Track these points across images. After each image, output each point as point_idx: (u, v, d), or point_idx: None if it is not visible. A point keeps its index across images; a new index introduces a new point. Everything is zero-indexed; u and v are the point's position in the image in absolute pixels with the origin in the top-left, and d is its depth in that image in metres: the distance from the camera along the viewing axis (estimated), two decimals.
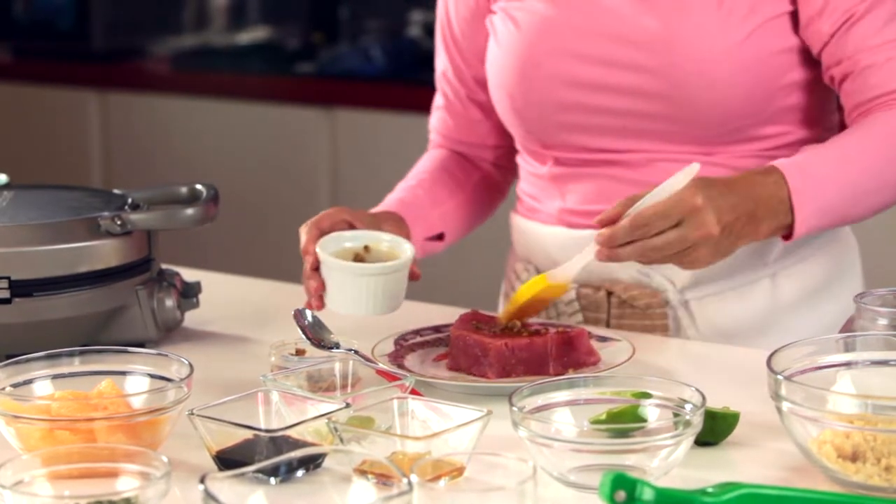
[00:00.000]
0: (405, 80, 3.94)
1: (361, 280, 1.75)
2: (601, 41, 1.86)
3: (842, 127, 1.93)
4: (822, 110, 1.92)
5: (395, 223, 1.90)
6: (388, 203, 1.98)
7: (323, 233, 1.81)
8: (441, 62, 2.07)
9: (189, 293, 1.88)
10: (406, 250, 1.80)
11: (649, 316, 1.89)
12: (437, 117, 2.11)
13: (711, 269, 1.84)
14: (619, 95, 1.86)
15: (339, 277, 1.75)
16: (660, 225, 1.63)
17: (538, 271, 2.00)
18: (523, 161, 2.01)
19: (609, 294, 1.92)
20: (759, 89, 1.84)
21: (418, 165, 2.08)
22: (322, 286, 1.77)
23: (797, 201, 1.71)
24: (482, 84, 2.01)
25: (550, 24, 1.88)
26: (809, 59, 1.87)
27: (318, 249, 1.77)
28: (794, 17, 1.84)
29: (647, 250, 1.64)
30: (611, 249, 1.65)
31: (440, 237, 2.01)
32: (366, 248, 1.81)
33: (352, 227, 1.84)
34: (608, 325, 1.91)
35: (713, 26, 1.82)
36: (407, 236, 1.89)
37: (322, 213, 1.85)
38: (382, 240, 1.82)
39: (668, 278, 1.90)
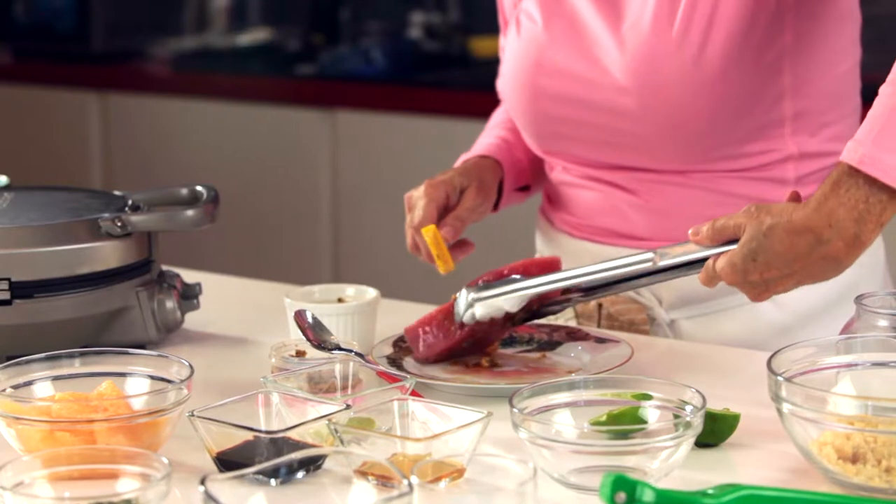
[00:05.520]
0: (405, 82, 3.94)
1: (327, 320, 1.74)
2: (581, 60, 1.86)
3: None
4: (818, 119, 1.84)
5: (491, 172, 1.94)
6: (481, 147, 2.00)
7: (439, 208, 1.86)
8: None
9: (189, 294, 1.88)
10: (370, 293, 1.82)
11: (632, 332, 1.88)
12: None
13: (700, 289, 1.81)
14: (598, 111, 1.86)
15: None
16: None
17: None
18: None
19: (599, 305, 1.92)
20: (730, 107, 1.79)
21: (498, 117, 2.09)
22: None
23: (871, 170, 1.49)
24: None
25: (540, 37, 1.90)
26: (785, 67, 1.80)
27: (287, 300, 1.79)
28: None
29: None
30: None
31: (527, 188, 2.03)
32: (339, 299, 1.82)
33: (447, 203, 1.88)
34: None
35: (675, 58, 1.78)
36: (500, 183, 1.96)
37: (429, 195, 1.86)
38: (346, 291, 1.84)
39: (657, 295, 1.89)
